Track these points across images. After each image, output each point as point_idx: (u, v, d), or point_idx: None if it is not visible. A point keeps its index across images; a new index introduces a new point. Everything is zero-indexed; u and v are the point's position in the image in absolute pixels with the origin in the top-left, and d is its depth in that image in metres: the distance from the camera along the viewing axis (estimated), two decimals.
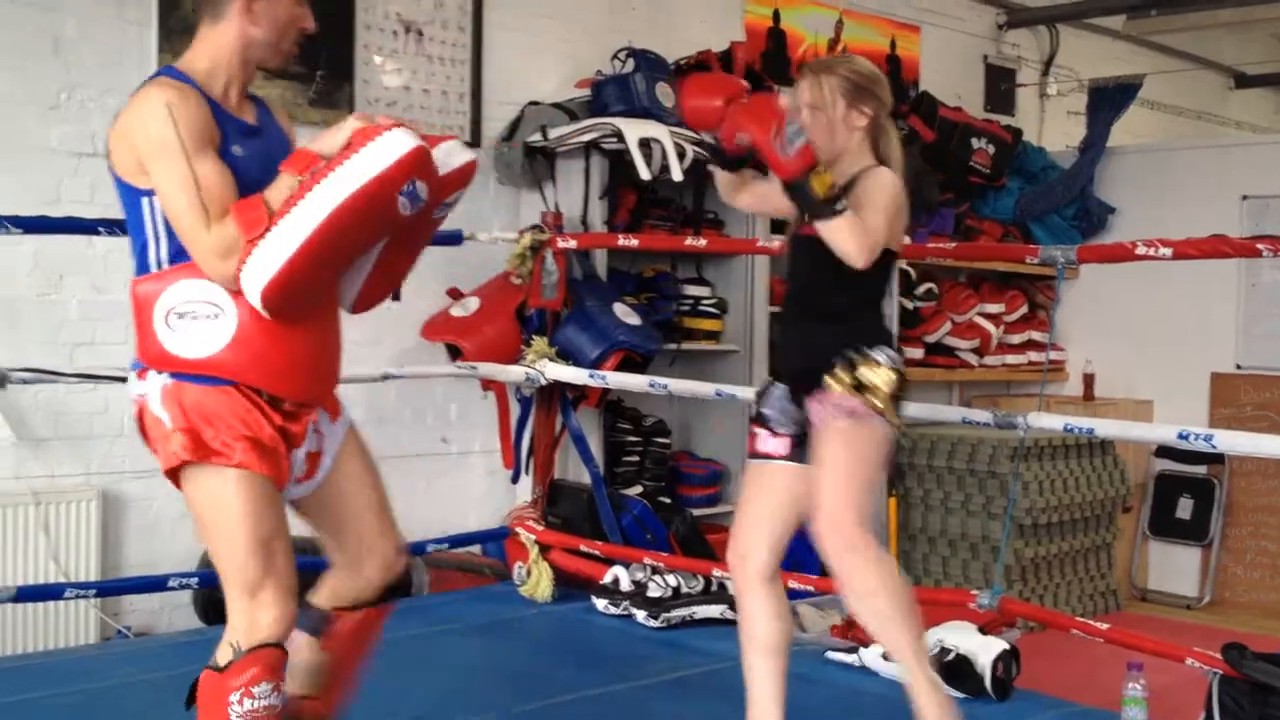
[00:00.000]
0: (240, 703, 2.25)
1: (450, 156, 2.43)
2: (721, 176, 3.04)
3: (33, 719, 3.28)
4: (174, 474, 2.37)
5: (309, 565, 3.62)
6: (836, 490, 2.75)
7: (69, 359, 4.26)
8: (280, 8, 2.41)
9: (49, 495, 4.24)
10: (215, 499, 2.32)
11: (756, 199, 3.09)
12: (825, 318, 2.87)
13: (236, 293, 2.28)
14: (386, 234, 2.37)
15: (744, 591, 2.98)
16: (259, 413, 2.34)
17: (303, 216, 2.20)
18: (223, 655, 2.32)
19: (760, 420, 2.95)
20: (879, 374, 2.78)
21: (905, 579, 2.85)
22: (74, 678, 3.64)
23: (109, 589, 4.18)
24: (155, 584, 4.14)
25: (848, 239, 2.68)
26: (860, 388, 2.77)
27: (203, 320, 2.30)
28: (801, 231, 2.84)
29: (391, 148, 2.22)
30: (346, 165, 2.21)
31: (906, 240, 3.26)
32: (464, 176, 2.48)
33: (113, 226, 3.84)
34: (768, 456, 2.92)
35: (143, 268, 2.36)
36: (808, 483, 2.82)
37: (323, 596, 2.62)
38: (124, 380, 3.96)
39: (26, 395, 4.17)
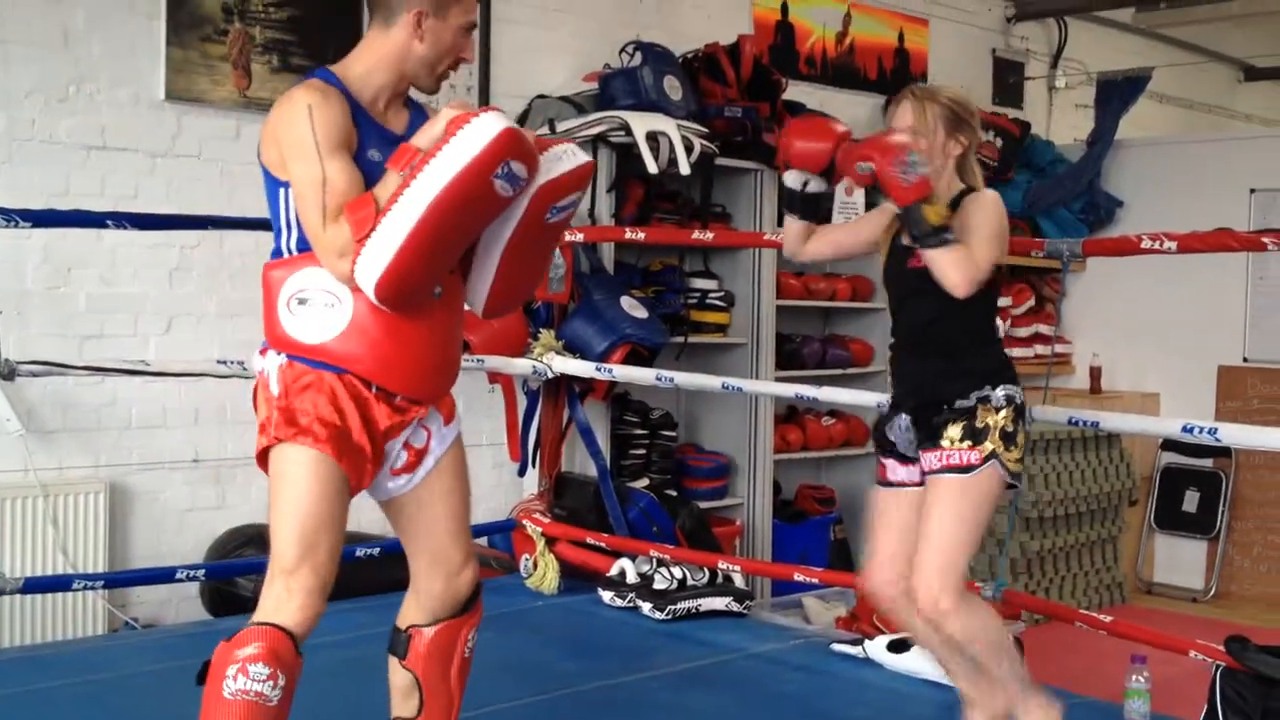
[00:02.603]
0: (235, 678, 2.24)
1: (563, 160, 2.47)
2: (790, 228, 3.06)
3: (41, 709, 3.30)
4: (264, 456, 2.43)
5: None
6: (937, 552, 2.76)
7: (78, 351, 4.28)
8: (447, 32, 2.47)
9: (57, 487, 4.26)
10: (284, 475, 2.37)
11: (830, 246, 3.10)
12: (942, 354, 2.87)
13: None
14: (493, 218, 2.41)
15: (910, 613, 2.91)
16: (357, 404, 2.40)
17: (405, 210, 2.26)
18: (240, 629, 2.33)
19: (887, 450, 2.96)
20: (995, 419, 2.79)
21: (997, 621, 2.89)
22: (82, 669, 3.66)
23: (117, 581, 4.19)
24: (163, 576, 4.16)
25: (951, 269, 2.71)
26: (975, 435, 2.78)
27: (320, 308, 2.39)
28: (909, 265, 2.85)
29: (482, 133, 2.27)
30: (440, 156, 2.27)
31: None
32: (579, 178, 2.51)
33: (121, 220, 3.86)
34: (902, 485, 2.94)
35: (276, 253, 2.46)
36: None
37: (402, 617, 2.66)
38: (132, 373, 4.03)
39: (35, 387, 4.19)
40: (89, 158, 4.38)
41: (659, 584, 4.33)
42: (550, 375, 4.78)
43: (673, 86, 5.35)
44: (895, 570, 2.90)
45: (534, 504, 4.84)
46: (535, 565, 4.64)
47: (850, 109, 6.61)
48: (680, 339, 5.44)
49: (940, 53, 7.29)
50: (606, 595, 4.43)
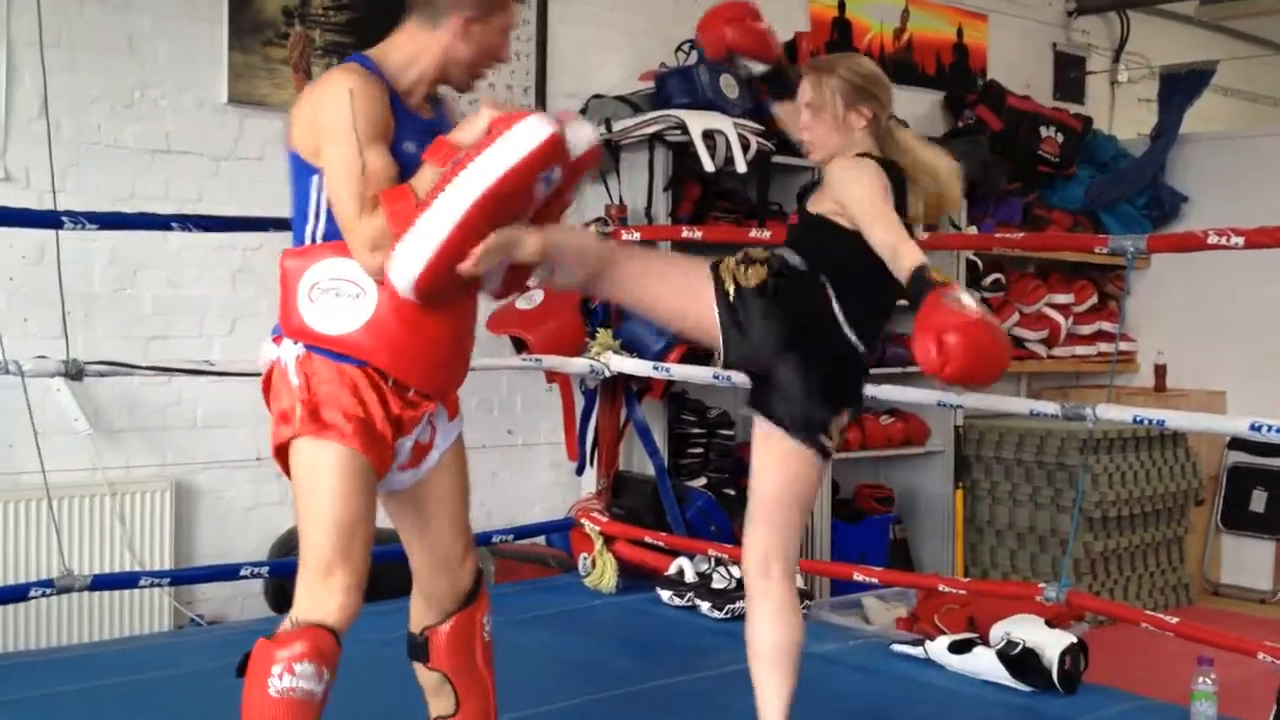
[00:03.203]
0: (280, 677, 2.25)
1: (578, 136, 2.43)
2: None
3: (108, 704, 3.35)
4: (283, 448, 2.39)
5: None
6: None
7: (143, 352, 4.34)
8: (492, 36, 2.47)
9: (124, 486, 4.32)
10: (313, 472, 2.34)
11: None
12: None
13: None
14: (524, 218, 2.41)
15: None
16: (378, 396, 2.37)
17: (448, 206, 2.24)
18: (281, 627, 2.34)
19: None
20: None
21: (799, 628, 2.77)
22: (148, 665, 3.72)
23: (182, 578, 4.25)
24: (228, 573, 4.21)
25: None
26: None
27: (344, 298, 2.35)
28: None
29: (530, 135, 2.26)
30: (487, 154, 2.25)
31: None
32: (593, 158, 2.49)
33: (185, 222, 3.91)
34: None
35: (299, 241, 2.43)
36: None
37: (413, 621, 2.66)
38: (196, 373, 4.08)
39: (102, 388, 4.25)
40: (154, 161, 4.45)
41: (717, 583, 4.32)
42: (608, 374, 4.79)
43: (729, 85, 5.34)
44: None
45: (592, 503, 4.86)
46: (593, 564, 4.65)
47: (909, 106, 6.55)
48: None
49: (1000, 48, 7.22)
50: (665, 594, 4.43)
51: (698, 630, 4.19)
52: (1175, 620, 3.55)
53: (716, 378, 4.54)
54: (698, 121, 5.08)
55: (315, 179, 2.37)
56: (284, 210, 4.64)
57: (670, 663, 3.84)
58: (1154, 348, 7.07)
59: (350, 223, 2.30)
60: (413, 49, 2.45)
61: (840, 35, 6.50)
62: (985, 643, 3.74)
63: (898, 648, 3.93)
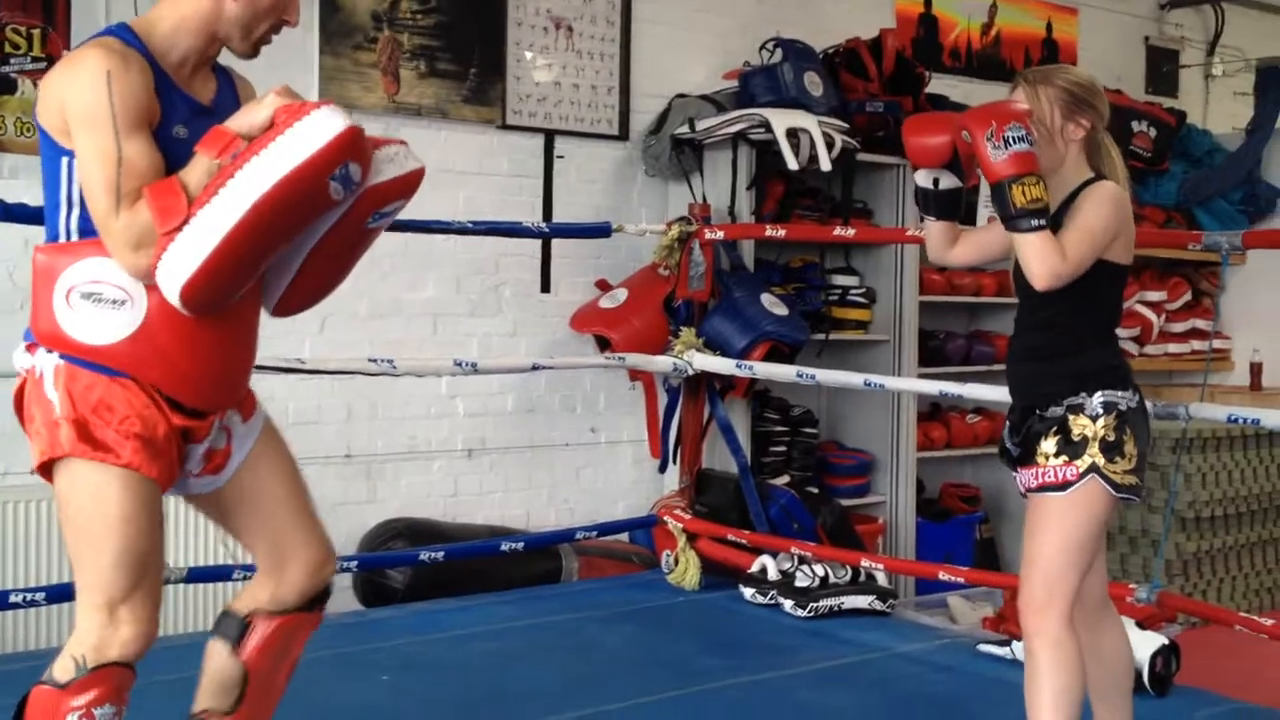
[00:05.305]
0: None
1: (394, 163, 2.19)
2: (931, 230, 2.82)
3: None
4: (47, 467, 2.14)
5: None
6: (1039, 573, 2.59)
7: None
8: None
9: None
10: (92, 498, 2.09)
11: (974, 249, 2.90)
12: (1040, 356, 2.70)
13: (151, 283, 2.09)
14: (317, 221, 2.13)
15: None
16: (156, 409, 2.13)
17: (225, 206, 1.99)
18: (62, 670, 2.09)
19: (1006, 459, 2.78)
20: (1093, 429, 2.57)
21: (1083, 675, 2.62)
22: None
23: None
24: None
25: (1034, 258, 2.52)
26: (1071, 448, 2.57)
27: (106, 305, 2.10)
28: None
29: (321, 129, 2.01)
30: (272, 148, 2.00)
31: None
32: (408, 185, 2.22)
33: None
34: (1025, 494, 2.72)
35: (52, 234, 2.16)
36: None
37: (242, 602, 2.41)
38: (287, 371, 4.16)
39: None
40: None
41: (800, 581, 4.32)
42: (691, 372, 4.80)
43: (813, 82, 5.32)
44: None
45: (675, 500, 4.87)
46: (676, 561, 4.66)
47: None
48: (821, 336, 5.41)
49: (1090, 42, 7.11)
50: (748, 592, 4.43)
51: (780, 629, 4.18)
52: (1270, 623, 3.48)
53: (800, 376, 4.54)
54: (782, 120, 5.07)
55: (65, 161, 2.09)
56: None
57: (753, 661, 3.84)
58: (1250, 346, 6.92)
59: (105, 219, 2.04)
60: (179, 14, 2.16)
61: (926, 31, 6.45)
62: None
63: (984, 648, 3.90)
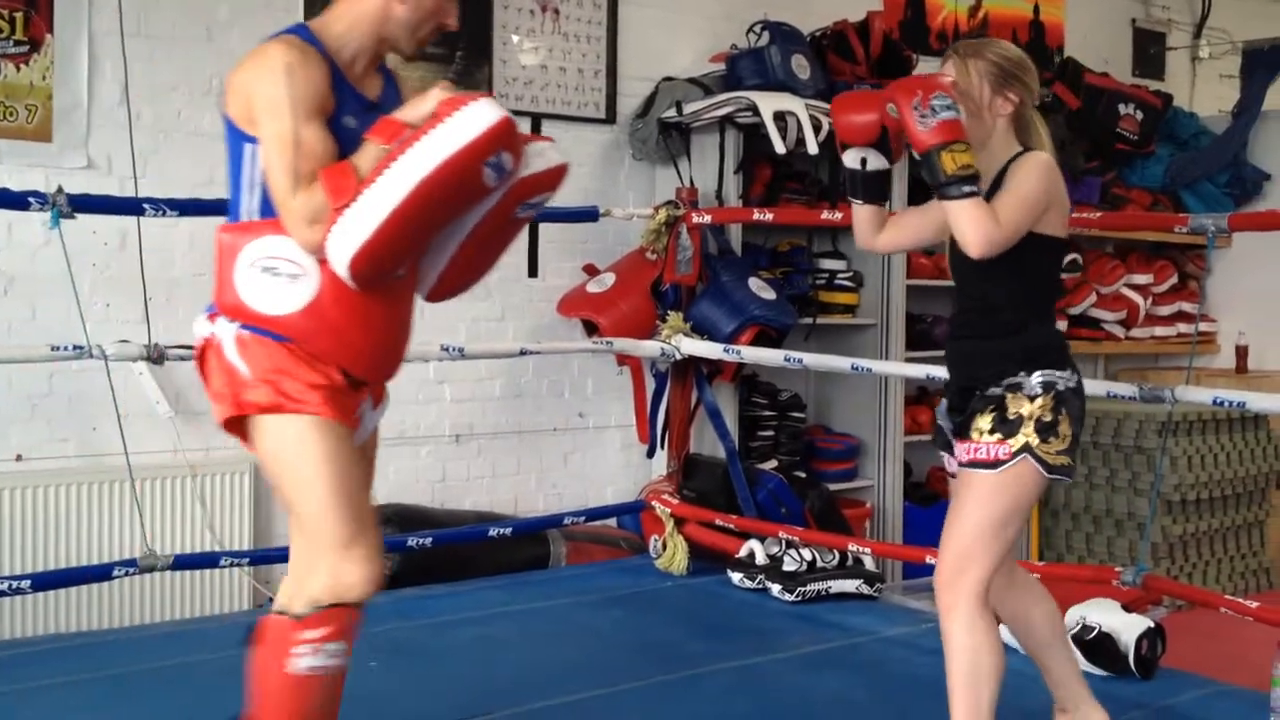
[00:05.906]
0: (306, 657, 2.22)
1: (541, 157, 2.40)
2: (858, 215, 2.81)
3: (190, 681, 3.42)
4: (236, 423, 2.33)
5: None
6: (957, 548, 2.61)
7: None
8: None
9: (205, 467, 4.41)
10: (294, 445, 2.28)
11: (907, 233, 2.88)
12: (980, 334, 2.68)
13: (323, 259, 2.27)
14: (472, 206, 2.33)
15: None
16: (327, 371, 2.32)
17: (391, 185, 2.17)
18: (298, 603, 2.27)
19: (938, 441, 2.79)
20: (1029, 408, 2.56)
21: (999, 653, 2.62)
22: (228, 643, 3.76)
23: (261, 558, 4.31)
24: None
25: (968, 226, 2.48)
26: (1006, 426, 2.56)
27: (284, 278, 2.29)
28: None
29: (479, 117, 2.19)
30: (434, 134, 2.19)
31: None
32: (553, 179, 2.44)
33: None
34: (953, 476, 2.75)
35: (234, 215, 2.36)
36: None
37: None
38: None
39: (183, 371, 4.32)
40: None
41: (788, 566, 4.32)
42: (678, 357, 4.80)
43: (800, 65, 5.31)
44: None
45: (663, 485, 4.87)
46: (664, 546, 4.67)
47: None
48: (809, 320, 5.41)
49: (1077, 24, 7.11)
50: (735, 577, 4.44)
51: (768, 613, 4.19)
52: (1255, 605, 3.49)
53: (787, 360, 4.53)
54: (769, 103, 5.06)
55: (250, 148, 2.30)
56: None
57: (741, 645, 3.85)
58: (1235, 328, 6.94)
59: (285, 197, 2.23)
60: (351, 16, 2.38)
61: (913, 14, 6.44)
62: None
63: None
